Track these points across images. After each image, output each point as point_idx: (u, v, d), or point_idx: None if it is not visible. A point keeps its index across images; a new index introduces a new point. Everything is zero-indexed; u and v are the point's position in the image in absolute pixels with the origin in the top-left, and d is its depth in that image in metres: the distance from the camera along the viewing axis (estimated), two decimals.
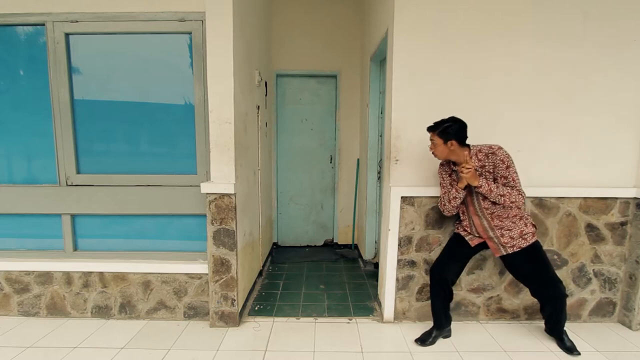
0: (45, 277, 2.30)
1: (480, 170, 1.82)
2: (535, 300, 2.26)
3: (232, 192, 2.10)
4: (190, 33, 2.15)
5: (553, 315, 1.99)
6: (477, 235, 1.94)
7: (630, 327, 2.22)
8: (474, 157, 1.82)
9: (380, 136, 3.18)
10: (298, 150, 3.91)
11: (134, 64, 2.22)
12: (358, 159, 3.82)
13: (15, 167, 2.31)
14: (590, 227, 2.22)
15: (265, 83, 3.29)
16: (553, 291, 1.90)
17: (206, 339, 2.08)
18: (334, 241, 4.03)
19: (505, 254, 1.90)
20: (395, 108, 2.13)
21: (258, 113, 2.92)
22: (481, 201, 1.87)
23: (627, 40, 2.10)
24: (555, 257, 2.24)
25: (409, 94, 2.12)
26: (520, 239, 1.87)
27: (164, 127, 2.28)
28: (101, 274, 2.29)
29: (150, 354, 1.92)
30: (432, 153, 1.90)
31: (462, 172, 1.76)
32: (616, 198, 2.20)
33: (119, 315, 2.32)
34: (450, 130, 1.79)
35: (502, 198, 1.77)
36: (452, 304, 2.25)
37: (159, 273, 2.28)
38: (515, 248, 1.88)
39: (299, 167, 3.93)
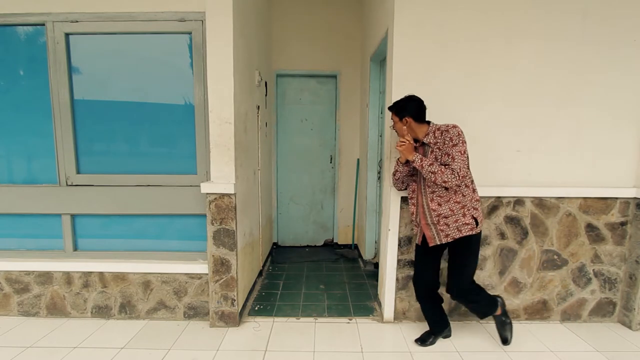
0: (45, 277, 2.30)
1: (433, 147, 1.80)
2: (536, 300, 2.28)
3: (232, 192, 2.10)
4: (190, 33, 2.15)
5: (474, 311, 2.02)
6: (419, 221, 1.90)
7: (630, 327, 2.22)
8: (431, 134, 1.81)
9: (380, 136, 3.18)
10: (298, 150, 3.91)
11: (134, 64, 2.22)
12: (358, 159, 3.82)
13: (16, 167, 2.31)
14: (590, 227, 2.22)
15: (265, 83, 3.29)
16: (456, 295, 1.91)
17: (206, 339, 2.08)
18: (334, 241, 4.03)
19: (439, 243, 1.83)
20: None
21: (258, 113, 2.92)
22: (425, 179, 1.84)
23: (627, 39, 2.10)
24: (555, 257, 2.24)
25: (409, 94, 2.12)
26: (455, 230, 1.79)
27: (164, 127, 2.28)
28: (101, 274, 2.29)
29: (150, 354, 1.92)
30: (394, 131, 1.95)
31: (397, 145, 1.81)
32: (616, 198, 2.19)
33: (119, 315, 2.32)
34: (405, 107, 1.83)
35: (433, 175, 1.71)
36: (452, 304, 2.26)
37: (159, 273, 2.28)
38: (449, 238, 1.80)
39: (299, 167, 3.93)
